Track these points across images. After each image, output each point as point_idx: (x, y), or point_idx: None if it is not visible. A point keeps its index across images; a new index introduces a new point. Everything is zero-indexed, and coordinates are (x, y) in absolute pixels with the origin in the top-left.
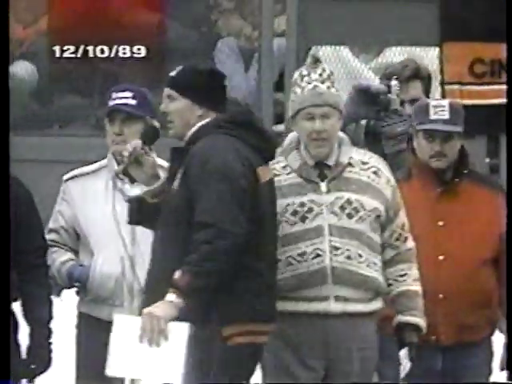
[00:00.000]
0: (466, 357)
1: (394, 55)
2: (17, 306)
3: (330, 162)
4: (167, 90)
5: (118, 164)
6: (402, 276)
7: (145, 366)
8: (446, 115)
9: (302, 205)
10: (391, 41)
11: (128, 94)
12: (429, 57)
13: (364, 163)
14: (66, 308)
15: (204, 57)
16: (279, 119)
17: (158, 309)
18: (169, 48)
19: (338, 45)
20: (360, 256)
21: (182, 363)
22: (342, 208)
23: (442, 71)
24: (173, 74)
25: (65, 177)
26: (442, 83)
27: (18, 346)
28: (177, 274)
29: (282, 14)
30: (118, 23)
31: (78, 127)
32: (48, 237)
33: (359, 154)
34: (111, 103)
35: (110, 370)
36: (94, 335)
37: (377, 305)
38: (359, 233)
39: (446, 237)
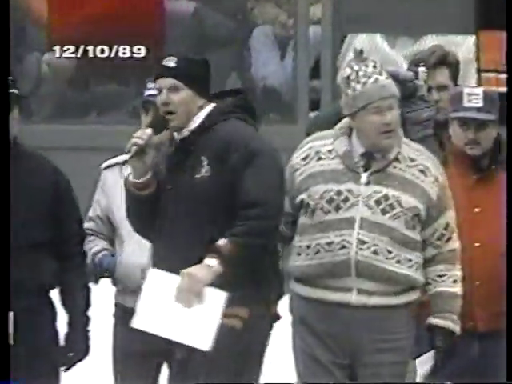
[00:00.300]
0: (501, 344)
1: (430, 43)
2: (55, 294)
3: (378, 154)
4: (170, 81)
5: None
6: (440, 276)
7: (174, 325)
8: (480, 103)
9: (339, 193)
10: (427, 29)
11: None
12: (466, 45)
13: (412, 160)
14: (103, 296)
15: (240, 44)
16: (315, 106)
17: (198, 271)
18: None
19: (373, 32)
20: (389, 252)
21: (214, 330)
22: (378, 202)
23: (478, 59)
24: (171, 64)
25: (102, 165)
26: (479, 71)
27: (56, 333)
28: (221, 241)
29: (318, 2)
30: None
31: (115, 115)
32: (86, 225)
33: (409, 150)
34: (146, 93)
35: (137, 323)
36: (126, 324)
37: (409, 297)
38: (391, 229)
39: (481, 224)
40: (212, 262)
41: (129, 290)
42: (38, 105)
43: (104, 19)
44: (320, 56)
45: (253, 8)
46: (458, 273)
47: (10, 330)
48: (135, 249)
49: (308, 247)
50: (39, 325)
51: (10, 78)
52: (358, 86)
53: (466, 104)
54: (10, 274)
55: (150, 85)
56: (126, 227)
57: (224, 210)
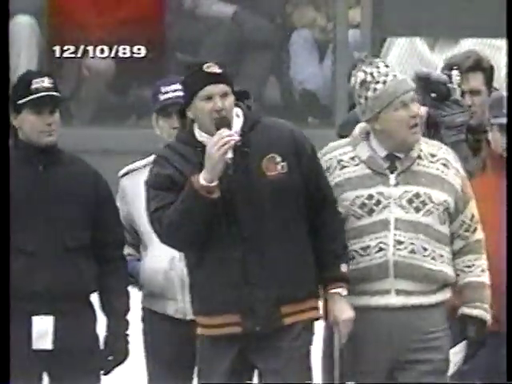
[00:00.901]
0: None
1: (471, 45)
2: (95, 298)
3: (401, 154)
4: (222, 87)
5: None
6: (469, 267)
7: None
8: None
9: (371, 197)
10: (467, 32)
11: (180, 86)
12: (505, 48)
13: (433, 155)
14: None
15: (279, 48)
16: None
17: (345, 309)
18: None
19: (412, 36)
20: (425, 249)
21: None
22: (410, 201)
23: (509, 61)
24: (218, 70)
25: (119, 173)
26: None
27: (96, 337)
28: (343, 268)
29: (357, 5)
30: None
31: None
32: None
33: (428, 147)
34: (164, 97)
35: None
36: (155, 328)
37: (444, 295)
38: (426, 226)
39: None
40: (344, 292)
41: (153, 294)
42: (78, 108)
43: (136, 21)
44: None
45: (292, 12)
46: (484, 262)
47: (50, 333)
48: (156, 254)
49: None
50: (80, 328)
51: (52, 81)
52: (379, 86)
53: (506, 109)
54: (51, 277)
55: (165, 88)
56: (145, 232)
57: (300, 205)
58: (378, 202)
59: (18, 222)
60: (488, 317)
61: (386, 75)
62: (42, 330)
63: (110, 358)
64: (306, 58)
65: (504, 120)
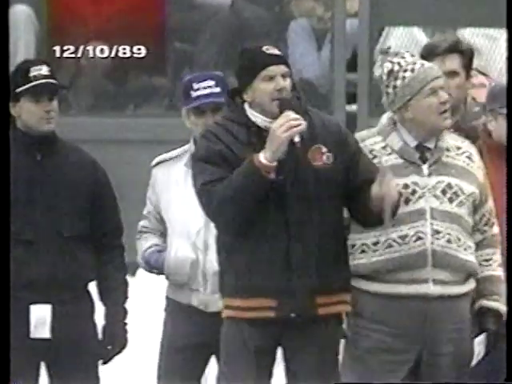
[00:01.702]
0: None
1: (469, 36)
2: (93, 287)
3: (431, 145)
4: (284, 68)
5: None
6: (487, 261)
7: None
8: None
9: (406, 186)
10: (465, 21)
11: (211, 82)
12: (504, 37)
13: (458, 148)
14: (140, 288)
15: (277, 37)
16: (351, 99)
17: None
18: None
19: (410, 25)
20: (459, 240)
21: None
22: (444, 192)
23: (509, 55)
24: (277, 52)
25: (152, 162)
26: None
27: (94, 326)
28: None
29: None
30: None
31: (153, 107)
32: (140, 223)
33: (453, 139)
34: (197, 94)
35: None
36: (177, 319)
37: (470, 286)
38: (459, 217)
39: None
40: None
41: (178, 285)
42: (76, 98)
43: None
44: (357, 49)
45: (290, 1)
46: (500, 257)
47: (48, 322)
48: (182, 243)
49: (375, 244)
50: (78, 317)
51: (49, 68)
52: (407, 74)
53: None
54: (49, 266)
55: (199, 84)
56: (172, 222)
57: (341, 197)
58: (414, 192)
59: (17, 211)
60: (505, 310)
61: (414, 63)
62: (40, 319)
63: (109, 347)
64: (304, 47)
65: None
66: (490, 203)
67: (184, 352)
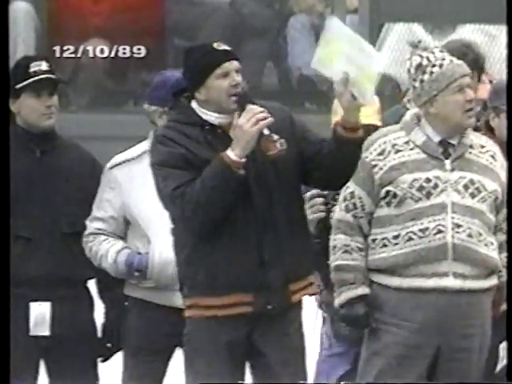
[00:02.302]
0: None
1: (468, 33)
2: (92, 285)
3: (454, 141)
4: (237, 63)
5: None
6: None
7: None
8: None
9: (428, 180)
10: (465, 18)
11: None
12: (503, 34)
13: (482, 146)
14: None
15: (276, 34)
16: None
17: None
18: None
19: (410, 21)
20: (480, 235)
21: None
22: (466, 187)
23: (509, 53)
24: (227, 47)
25: (108, 165)
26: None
27: (93, 324)
28: None
29: None
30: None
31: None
32: (94, 225)
33: (477, 137)
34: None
35: None
36: (144, 320)
37: (493, 281)
38: (480, 212)
39: None
40: None
41: (161, 286)
42: (76, 94)
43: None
44: None
45: None
46: (506, 262)
47: (48, 319)
48: (164, 243)
49: (396, 237)
50: (77, 315)
51: (49, 64)
52: (436, 69)
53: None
54: (48, 263)
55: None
56: (149, 224)
57: (300, 181)
58: (436, 186)
59: (16, 208)
60: None
61: (443, 59)
62: (40, 316)
63: (108, 344)
64: (303, 43)
65: None
66: None
67: (147, 355)
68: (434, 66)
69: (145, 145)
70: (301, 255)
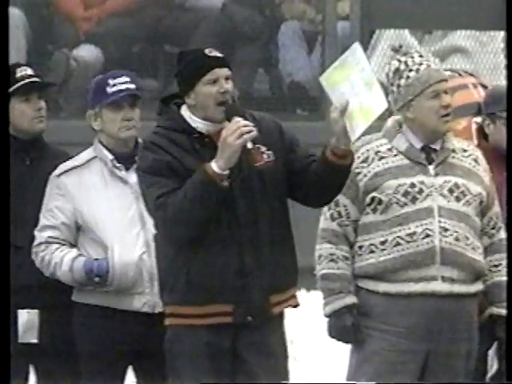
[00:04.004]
0: None
1: (459, 39)
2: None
3: (437, 146)
4: (227, 71)
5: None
6: (496, 266)
7: None
8: None
9: (413, 185)
10: (455, 24)
11: (126, 78)
12: (494, 41)
13: (464, 150)
14: None
15: (267, 40)
16: None
17: None
18: None
19: (401, 28)
20: (467, 238)
21: None
22: (451, 191)
23: (508, 56)
24: (219, 54)
25: (56, 172)
26: (508, 67)
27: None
28: None
29: None
30: None
31: (144, 110)
32: (45, 234)
33: (459, 142)
34: (114, 89)
35: None
36: (97, 326)
37: (479, 286)
38: (466, 216)
39: None
40: None
41: (120, 290)
42: (66, 101)
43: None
44: None
45: (281, 3)
46: (506, 262)
47: (36, 327)
48: (122, 247)
49: (383, 243)
50: (66, 323)
51: (33, 70)
52: (411, 74)
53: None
54: (37, 271)
55: (115, 80)
56: (104, 229)
57: (285, 194)
58: (421, 191)
59: None
60: None
61: (420, 64)
62: (29, 324)
63: None
64: (294, 49)
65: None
66: (497, 208)
67: (102, 361)
68: (410, 70)
69: (91, 151)
70: (283, 268)
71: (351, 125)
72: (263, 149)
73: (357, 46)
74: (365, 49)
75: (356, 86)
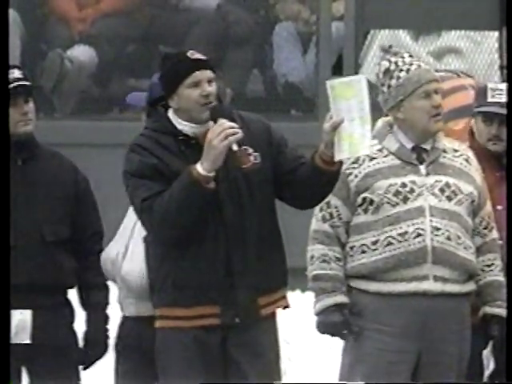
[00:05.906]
0: None
1: (453, 39)
2: (73, 293)
3: (427, 146)
4: (210, 73)
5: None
6: (489, 266)
7: None
8: (504, 98)
9: (404, 185)
10: (450, 24)
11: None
12: (488, 41)
13: (455, 150)
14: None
15: (262, 41)
16: None
17: None
18: None
19: (396, 28)
20: (458, 237)
21: None
22: (442, 190)
23: (501, 56)
24: (202, 56)
25: None
26: (502, 68)
27: (74, 332)
28: None
29: None
30: None
31: (138, 111)
32: None
33: (449, 142)
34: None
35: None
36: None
37: (472, 286)
38: (458, 215)
39: (504, 222)
40: None
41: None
42: (61, 101)
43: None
44: (342, 52)
45: (275, 4)
46: (500, 262)
47: (29, 327)
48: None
49: (375, 243)
50: (58, 323)
51: (21, 71)
52: (402, 74)
53: (490, 99)
54: (30, 271)
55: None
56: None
57: (273, 195)
58: (412, 190)
59: None
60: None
61: (411, 64)
62: (21, 324)
63: (90, 352)
64: (289, 50)
65: (487, 109)
66: (489, 207)
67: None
68: (401, 70)
69: None
70: (271, 269)
71: (338, 144)
72: (250, 150)
73: (362, 79)
74: (359, 49)
75: (353, 112)
